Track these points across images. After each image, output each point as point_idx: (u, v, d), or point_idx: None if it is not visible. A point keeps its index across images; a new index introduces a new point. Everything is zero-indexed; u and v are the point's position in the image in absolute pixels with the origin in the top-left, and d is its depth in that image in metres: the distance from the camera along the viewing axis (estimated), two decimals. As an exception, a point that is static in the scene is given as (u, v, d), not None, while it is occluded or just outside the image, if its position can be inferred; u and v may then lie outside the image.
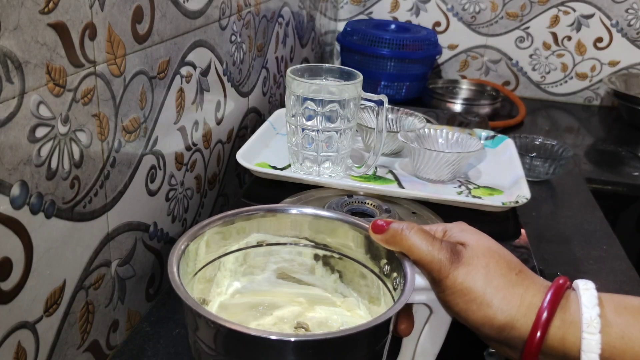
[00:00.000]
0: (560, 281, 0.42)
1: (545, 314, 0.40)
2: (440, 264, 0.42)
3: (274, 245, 0.52)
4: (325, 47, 1.45)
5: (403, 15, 1.48)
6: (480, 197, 0.76)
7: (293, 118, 0.75)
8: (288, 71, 0.74)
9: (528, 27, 1.44)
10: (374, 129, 0.76)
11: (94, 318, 0.56)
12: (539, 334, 0.40)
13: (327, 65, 0.78)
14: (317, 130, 0.74)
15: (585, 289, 0.41)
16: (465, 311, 0.41)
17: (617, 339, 0.39)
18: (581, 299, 0.40)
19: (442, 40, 1.46)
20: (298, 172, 0.78)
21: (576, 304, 0.41)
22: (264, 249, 0.51)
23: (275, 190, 0.76)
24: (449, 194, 0.76)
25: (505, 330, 0.41)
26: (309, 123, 0.74)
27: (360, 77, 0.74)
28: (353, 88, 0.73)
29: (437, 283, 0.42)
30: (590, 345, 0.39)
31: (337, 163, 0.77)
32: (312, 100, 0.73)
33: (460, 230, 0.45)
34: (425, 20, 1.47)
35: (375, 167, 0.81)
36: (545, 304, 0.40)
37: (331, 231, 0.51)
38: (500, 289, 0.41)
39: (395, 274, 0.46)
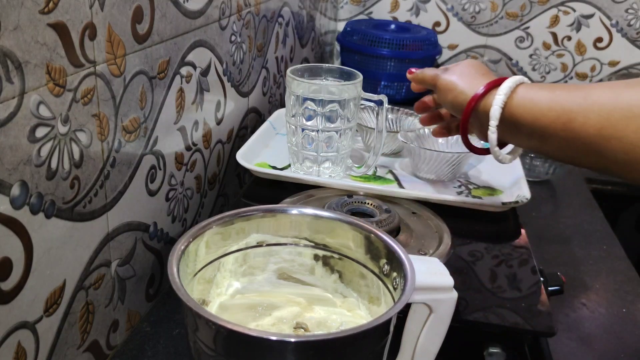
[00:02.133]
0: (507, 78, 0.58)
1: (482, 87, 0.59)
2: (436, 75, 0.66)
3: (273, 246, 0.52)
4: (325, 47, 1.45)
5: (403, 15, 1.48)
6: (480, 197, 0.76)
7: (293, 118, 0.75)
8: (288, 71, 0.74)
9: (528, 27, 1.44)
10: (374, 129, 0.76)
11: (94, 318, 0.56)
12: (477, 94, 0.60)
13: (327, 65, 0.78)
14: (317, 130, 0.74)
15: (519, 77, 0.58)
16: (450, 98, 0.63)
17: (521, 99, 0.56)
18: (509, 78, 0.57)
19: (442, 40, 1.46)
20: (298, 172, 0.78)
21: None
22: (264, 250, 0.51)
23: (275, 190, 0.76)
24: (449, 194, 0.76)
25: (460, 97, 0.62)
26: (309, 123, 0.74)
27: (360, 77, 0.74)
28: (353, 88, 0.73)
29: (436, 88, 0.66)
30: (499, 100, 0.56)
31: (337, 163, 0.77)
32: (312, 100, 0.73)
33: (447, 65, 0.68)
34: (425, 20, 1.47)
35: (375, 167, 0.81)
36: (486, 83, 0.59)
37: (331, 231, 0.51)
38: (467, 81, 0.62)
39: (395, 274, 0.46)
